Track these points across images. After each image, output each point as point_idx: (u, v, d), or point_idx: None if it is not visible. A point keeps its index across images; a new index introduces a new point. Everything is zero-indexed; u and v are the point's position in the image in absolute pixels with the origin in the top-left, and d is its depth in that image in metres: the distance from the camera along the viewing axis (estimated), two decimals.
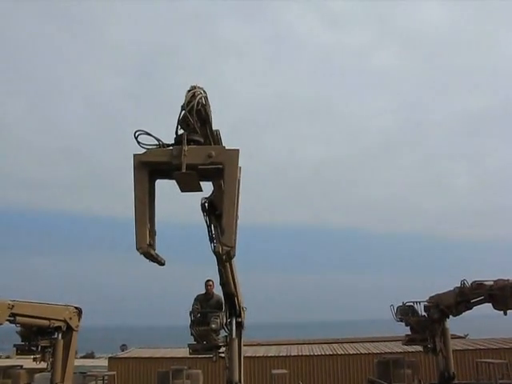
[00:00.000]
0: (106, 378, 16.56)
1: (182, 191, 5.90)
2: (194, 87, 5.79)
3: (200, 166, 5.58)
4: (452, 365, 14.43)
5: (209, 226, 8.84)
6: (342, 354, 24.92)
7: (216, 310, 11.95)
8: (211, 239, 9.06)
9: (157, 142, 5.69)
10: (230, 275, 10.74)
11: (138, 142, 5.57)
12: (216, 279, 11.41)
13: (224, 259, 6.10)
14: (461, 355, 21.74)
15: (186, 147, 5.51)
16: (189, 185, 5.78)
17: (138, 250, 5.50)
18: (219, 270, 10.47)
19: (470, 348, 23.61)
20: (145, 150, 5.63)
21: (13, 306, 13.07)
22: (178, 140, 5.68)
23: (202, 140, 5.86)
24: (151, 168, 5.68)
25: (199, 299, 12.59)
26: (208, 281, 12.67)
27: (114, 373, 18.91)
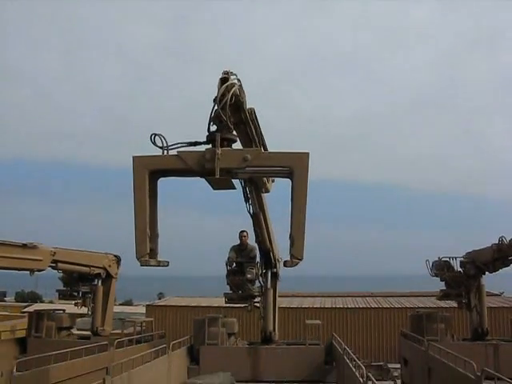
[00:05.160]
0: (143, 323, 17.06)
1: (214, 189, 5.85)
2: (226, 75, 5.49)
3: (235, 170, 5.44)
4: (486, 321, 14.37)
5: (244, 188, 9.05)
6: (375, 308, 25.11)
7: (251, 261, 12.16)
8: (246, 199, 9.34)
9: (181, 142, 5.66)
10: (266, 234, 10.99)
11: (155, 144, 5.49)
12: (250, 230, 11.62)
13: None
14: (495, 313, 21.63)
15: (219, 150, 5.31)
16: (222, 184, 5.72)
17: (137, 259, 5.51)
18: (255, 231, 10.76)
19: (505, 306, 23.49)
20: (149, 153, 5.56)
21: (55, 252, 13.55)
22: (211, 139, 5.50)
23: (236, 138, 5.71)
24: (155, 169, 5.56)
25: (234, 250, 12.80)
26: (242, 231, 12.81)
27: (152, 319, 19.42)
